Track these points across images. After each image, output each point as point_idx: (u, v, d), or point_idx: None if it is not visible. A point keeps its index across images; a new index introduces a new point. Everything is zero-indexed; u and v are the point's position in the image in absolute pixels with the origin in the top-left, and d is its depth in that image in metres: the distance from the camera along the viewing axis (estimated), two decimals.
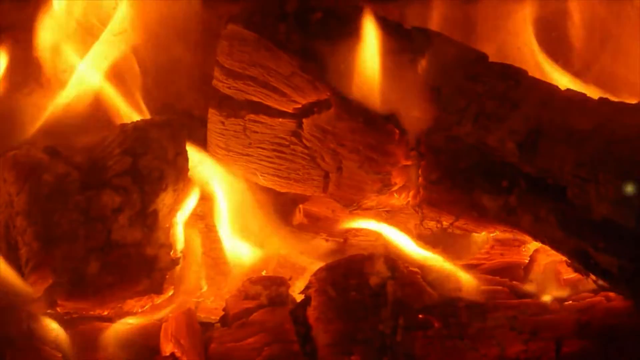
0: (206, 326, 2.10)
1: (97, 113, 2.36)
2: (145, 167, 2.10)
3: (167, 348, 2.02)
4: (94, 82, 2.38)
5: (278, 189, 2.23)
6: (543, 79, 2.15)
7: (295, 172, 2.18)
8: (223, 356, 1.99)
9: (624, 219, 1.84)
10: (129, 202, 2.07)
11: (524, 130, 1.97)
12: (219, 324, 2.09)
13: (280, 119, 2.17)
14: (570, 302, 2.03)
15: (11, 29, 2.46)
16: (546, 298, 2.05)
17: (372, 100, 2.09)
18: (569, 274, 2.07)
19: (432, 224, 2.12)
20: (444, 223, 2.08)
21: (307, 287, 2.08)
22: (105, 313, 2.08)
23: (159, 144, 2.12)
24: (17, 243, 2.04)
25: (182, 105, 2.46)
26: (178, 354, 1.99)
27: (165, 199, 2.11)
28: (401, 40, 2.13)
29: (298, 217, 2.32)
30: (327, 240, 2.32)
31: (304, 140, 2.15)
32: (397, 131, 2.07)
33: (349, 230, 2.33)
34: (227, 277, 2.22)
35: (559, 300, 2.04)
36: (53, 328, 2.02)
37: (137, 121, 2.20)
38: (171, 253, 2.12)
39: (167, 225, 2.13)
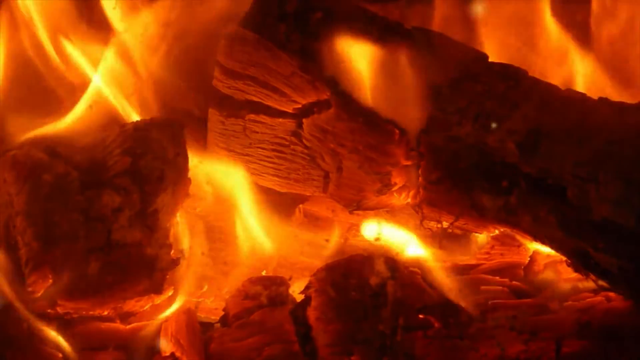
0: (206, 326, 2.11)
1: (97, 113, 2.36)
2: (145, 167, 2.10)
3: (167, 348, 2.02)
4: (94, 82, 2.38)
5: (278, 189, 2.23)
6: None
7: (295, 172, 2.19)
8: (223, 356, 1.99)
9: (624, 219, 1.84)
10: (129, 202, 2.07)
11: (524, 130, 1.97)
12: (219, 324, 2.09)
13: (280, 119, 2.17)
14: (570, 302, 2.03)
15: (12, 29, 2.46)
16: (546, 298, 2.06)
17: (372, 100, 2.09)
18: (569, 274, 2.07)
19: (432, 224, 2.12)
20: (444, 223, 2.08)
21: (307, 287, 2.08)
22: (105, 313, 2.08)
23: (159, 144, 2.12)
24: (17, 243, 2.04)
25: (182, 105, 2.46)
26: (178, 354, 1.99)
27: (165, 199, 2.11)
28: (401, 40, 2.13)
29: (298, 217, 2.32)
30: (327, 240, 2.32)
31: (304, 140, 2.15)
32: (397, 131, 2.07)
33: (349, 230, 2.33)
34: (227, 277, 2.22)
35: (559, 300, 2.04)
36: (53, 328, 2.02)
37: (137, 121, 2.20)
38: (171, 253, 2.12)
39: (167, 225, 2.13)
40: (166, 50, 2.43)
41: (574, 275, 2.02)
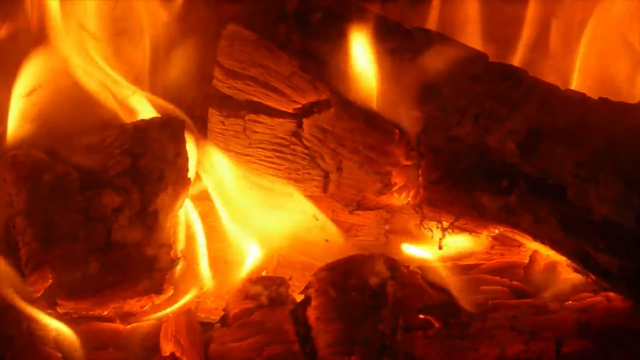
0: (206, 326, 2.11)
1: (97, 113, 2.35)
2: (145, 167, 2.10)
3: (167, 348, 2.02)
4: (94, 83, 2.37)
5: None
6: None
7: (295, 172, 2.19)
8: (223, 356, 1.99)
9: (624, 219, 1.84)
10: (129, 202, 2.07)
11: (524, 130, 1.97)
12: (219, 324, 2.09)
13: (280, 119, 2.17)
14: (570, 302, 2.03)
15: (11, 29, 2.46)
16: (546, 298, 2.06)
17: (372, 100, 2.09)
18: (569, 274, 2.07)
19: (432, 224, 2.12)
20: (444, 223, 2.08)
21: (307, 287, 2.08)
22: (105, 313, 2.08)
23: (159, 144, 2.12)
24: (17, 243, 2.04)
25: (183, 106, 2.45)
26: (178, 354, 1.99)
27: (165, 199, 2.11)
28: (401, 40, 2.13)
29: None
30: (327, 240, 2.32)
31: (304, 140, 2.15)
32: (397, 131, 2.07)
33: (349, 230, 2.33)
34: (227, 277, 2.22)
35: (559, 300, 2.04)
36: (53, 328, 2.02)
37: (137, 121, 2.20)
38: (171, 253, 2.12)
39: (167, 225, 2.13)
40: (166, 51, 2.43)
41: (574, 275, 2.02)
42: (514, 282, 2.12)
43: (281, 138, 2.18)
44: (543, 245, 2.00)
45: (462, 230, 2.12)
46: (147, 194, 2.09)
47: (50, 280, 2.01)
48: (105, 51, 2.41)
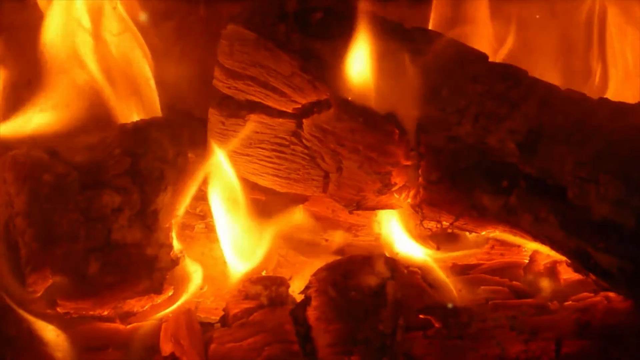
0: (206, 326, 2.11)
1: (97, 113, 2.36)
2: (145, 167, 2.10)
3: (167, 348, 2.02)
4: (94, 83, 2.38)
5: (278, 189, 2.23)
6: None
7: (295, 172, 2.18)
8: (223, 356, 1.99)
9: (624, 219, 1.84)
10: (129, 202, 2.07)
11: (524, 130, 1.97)
12: (219, 324, 2.09)
13: (280, 119, 2.17)
14: (570, 302, 2.03)
15: (11, 29, 2.46)
16: (546, 298, 2.06)
17: (372, 100, 2.09)
18: (569, 274, 2.07)
19: (432, 224, 2.12)
20: (444, 223, 2.08)
21: (307, 287, 2.08)
22: (105, 313, 2.08)
23: (159, 144, 2.12)
24: (17, 243, 2.04)
25: (183, 106, 2.46)
26: (178, 354, 1.99)
27: (165, 199, 2.11)
28: (401, 40, 2.13)
29: (298, 217, 2.31)
30: (327, 240, 2.32)
31: (304, 140, 2.15)
32: (397, 131, 2.07)
33: (349, 230, 2.33)
34: (227, 277, 2.22)
35: (559, 300, 2.04)
36: (53, 328, 2.02)
37: (137, 121, 2.21)
38: (171, 253, 2.12)
39: (167, 225, 2.13)
40: (167, 51, 2.43)
41: (574, 275, 2.02)
42: (514, 282, 2.12)
43: (281, 138, 2.18)
44: (543, 245, 2.00)
45: (462, 230, 2.13)
46: (147, 194, 2.09)
47: (50, 280, 2.01)
48: (105, 51, 2.41)
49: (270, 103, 2.18)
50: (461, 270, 2.18)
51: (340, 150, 2.10)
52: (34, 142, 2.22)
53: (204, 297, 2.21)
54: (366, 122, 2.08)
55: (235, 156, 2.23)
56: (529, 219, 1.95)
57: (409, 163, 2.08)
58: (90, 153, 2.12)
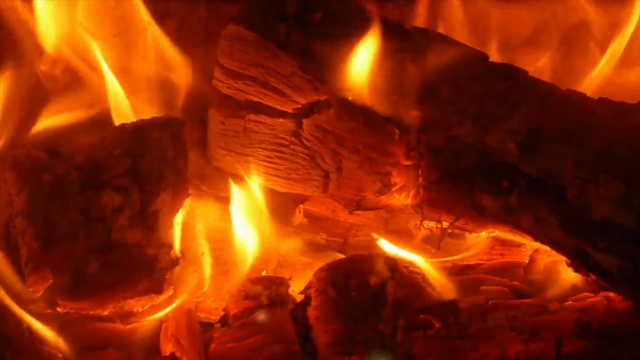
0: (206, 326, 2.11)
1: (97, 113, 2.36)
2: (145, 167, 2.10)
3: (167, 348, 2.02)
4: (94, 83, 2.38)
5: (278, 189, 2.23)
6: None
7: (295, 172, 2.19)
8: (223, 356, 1.99)
9: (624, 219, 1.84)
10: (129, 202, 2.07)
11: (524, 130, 1.97)
12: (219, 324, 2.09)
13: (280, 119, 2.17)
14: (570, 302, 2.03)
15: (11, 29, 2.46)
16: (546, 298, 2.06)
17: (372, 101, 2.09)
18: (569, 274, 2.07)
19: (432, 224, 2.12)
20: (444, 223, 2.08)
21: (307, 287, 2.08)
22: (105, 313, 2.08)
23: (159, 144, 2.12)
24: (17, 243, 2.04)
25: (183, 106, 2.46)
26: (178, 354, 1.99)
27: (165, 199, 2.11)
28: (401, 40, 2.13)
29: (298, 217, 2.32)
30: (327, 240, 2.32)
31: (304, 140, 2.15)
32: (397, 131, 2.07)
33: (349, 230, 2.33)
34: (227, 277, 2.22)
35: (559, 300, 2.04)
36: (53, 328, 2.02)
37: (137, 121, 2.20)
38: (171, 253, 2.12)
39: (167, 225, 2.13)
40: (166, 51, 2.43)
41: (574, 275, 2.02)
42: (514, 282, 2.12)
43: (281, 138, 2.18)
44: (543, 245, 2.00)
45: (462, 230, 2.13)
46: (147, 194, 2.09)
47: (50, 280, 2.01)
48: (105, 51, 2.41)
49: (270, 103, 2.18)
50: (461, 270, 2.18)
51: (340, 150, 2.10)
52: (34, 142, 2.22)
53: (204, 297, 2.21)
54: (366, 122, 2.08)
55: (235, 156, 2.23)
56: (529, 219, 1.95)
57: (409, 163, 2.08)
58: (90, 153, 2.12)
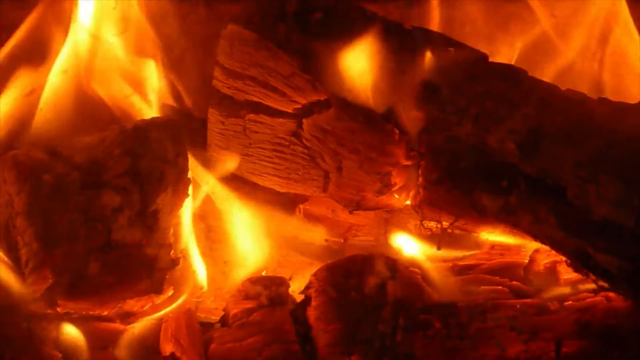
0: (206, 326, 2.10)
1: (97, 113, 2.36)
2: (145, 167, 2.10)
3: (167, 348, 2.02)
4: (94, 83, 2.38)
5: (278, 189, 2.23)
6: None
7: (295, 172, 2.19)
8: (223, 356, 1.99)
9: (624, 219, 1.84)
10: (129, 202, 2.07)
11: (523, 130, 1.97)
12: (219, 324, 2.09)
13: (280, 119, 2.17)
14: (570, 302, 2.03)
15: (11, 29, 2.46)
16: (546, 298, 2.06)
17: (372, 100, 2.09)
18: (569, 274, 2.07)
19: (432, 224, 2.12)
20: (444, 223, 2.08)
21: (307, 287, 2.08)
22: (105, 313, 2.08)
23: (159, 144, 2.12)
24: (17, 243, 2.04)
25: (182, 106, 2.46)
26: (178, 354, 1.99)
27: (165, 199, 2.10)
28: (401, 40, 2.13)
29: (298, 217, 2.31)
30: (327, 240, 2.32)
31: (304, 140, 2.15)
32: (397, 131, 2.07)
33: (349, 230, 2.33)
34: (227, 277, 2.22)
35: (559, 300, 2.04)
36: (53, 328, 2.02)
37: (137, 121, 2.20)
38: (171, 253, 2.12)
39: (167, 225, 2.13)
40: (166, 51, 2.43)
41: (574, 275, 2.02)
42: (514, 282, 2.12)
43: (281, 138, 2.18)
44: (543, 245, 2.00)
45: (462, 230, 2.13)
46: (147, 194, 2.08)
47: (50, 280, 2.01)
48: (105, 51, 2.41)
49: (270, 103, 2.18)
50: (461, 270, 2.17)
51: (340, 150, 2.11)
52: (34, 142, 2.22)
53: (204, 297, 2.21)
54: (366, 122, 2.08)
55: (235, 156, 2.23)
56: (529, 219, 1.95)
57: (409, 163, 2.08)
58: (90, 153, 2.12)
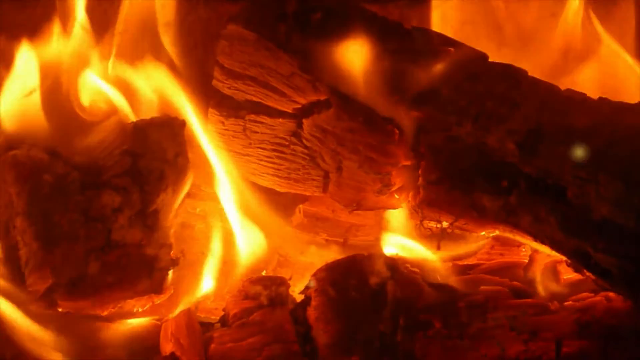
0: (206, 326, 2.11)
1: (97, 113, 2.36)
2: (145, 167, 2.10)
3: (167, 348, 2.02)
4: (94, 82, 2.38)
5: (278, 189, 2.23)
6: None
7: (295, 172, 2.19)
8: (223, 356, 1.99)
9: (624, 219, 1.84)
10: (129, 202, 2.07)
11: (523, 130, 1.97)
12: (219, 324, 2.09)
13: (280, 119, 2.17)
14: (570, 302, 2.03)
15: (11, 29, 2.46)
16: (546, 298, 2.06)
17: (372, 100, 2.09)
18: (569, 274, 2.07)
19: (432, 224, 2.12)
20: (444, 223, 2.08)
21: (307, 287, 2.08)
22: (105, 313, 2.08)
23: (159, 144, 2.12)
24: (17, 243, 2.04)
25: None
26: (178, 354, 1.99)
27: (165, 199, 2.11)
28: (401, 40, 2.13)
29: (298, 217, 2.32)
30: (327, 240, 2.32)
31: (304, 140, 2.15)
32: (397, 131, 2.07)
33: (349, 230, 2.33)
34: (227, 277, 2.22)
35: (559, 300, 2.04)
36: (53, 328, 2.02)
37: (137, 121, 2.20)
38: (171, 253, 2.12)
39: (167, 225, 2.13)
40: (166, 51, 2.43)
41: (574, 275, 2.02)
42: (514, 282, 2.12)
43: (281, 138, 2.18)
44: (543, 245, 2.00)
45: (462, 230, 2.13)
46: (147, 194, 2.09)
47: (50, 280, 2.01)
48: (105, 51, 2.41)
49: (270, 103, 2.18)
50: (461, 270, 2.17)
51: (340, 150, 2.11)
52: (34, 142, 2.22)
53: (204, 297, 2.21)
54: (366, 122, 2.08)
55: (235, 156, 2.23)
56: (528, 219, 1.95)
57: (409, 163, 2.08)
58: (90, 153, 2.12)
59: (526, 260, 2.19)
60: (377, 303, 2.01)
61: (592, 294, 2.02)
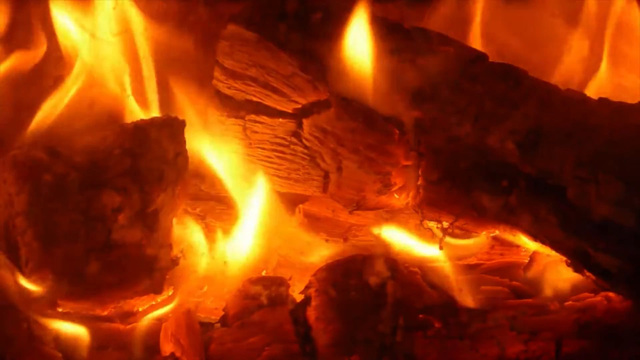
0: (206, 326, 2.11)
1: (97, 113, 2.36)
2: (145, 167, 2.10)
3: (167, 348, 2.02)
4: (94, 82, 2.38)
5: (278, 189, 2.23)
6: None
7: (295, 172, 2.19)
8: (223, 356, 1.99)
9: (624, 219, 1.84)
10: (129, 202, 2.07)
11: (523, 130, 1.97)
12: (219, 324, 2.09)
13: (280, 119, 2.17)
14: (570, 302, 2.03)
15: (11, 29, 2.46)
16: (546, 298, 2.06)
17: (372, 100, 2.09)
18: (569, 274, 2.07)
19: (432, 224, 2.12)
20: (444, 223, 2.08)
21: (307, 287, 2.08)
22: (105, 313, 2.08)
23: (159, 144, 2.12)
24: (17, 243, 2.04)
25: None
26: (178, 354, 1.99)
27: (165, 199, 2.11)
28: (401, 40, 2.13)
29: (298, 217, 2.32)
30: (327, 240, 2.32)
31: (304, 140, 2.15)
32: (397, 131, 2.07)
33: (349, 230, 2.33)
34: (227, 277, 2.22)
35: (559, 300, 2.04)
36: (53, 328, 2.02)
37: (137, 121, 2.20)
38: (171, 253, 2.12)
39: (167, 225, 2.13)
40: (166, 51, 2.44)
41: (574, 275, 2.02)
42: (514, 282, 2.12)
43: (281, 138, 2.18)
44: (543, 245, 2.00)
45: (462, 230, 2.13)
46: (147, 194, 2.09)
47: (50, 281, 2.01)
48: (105, 51, 2.41)
49: (270, 103, 2.18)
50: (461, 270, 2.17)
51: (340, 150, 2.11)
52: (34, 142, 2.22)
53: (204, 297, 2.21)
54: (366, 122, 2.08)
55: (235, 156, 2.23)
56: (529, 219, 1.95)
57: (409, 163, 2.08)
58: (90, 153, 2.12)
59: (526, 260, 2.19)
60: (377, 303, 2.01)
61: (592, 294, 2.02)
